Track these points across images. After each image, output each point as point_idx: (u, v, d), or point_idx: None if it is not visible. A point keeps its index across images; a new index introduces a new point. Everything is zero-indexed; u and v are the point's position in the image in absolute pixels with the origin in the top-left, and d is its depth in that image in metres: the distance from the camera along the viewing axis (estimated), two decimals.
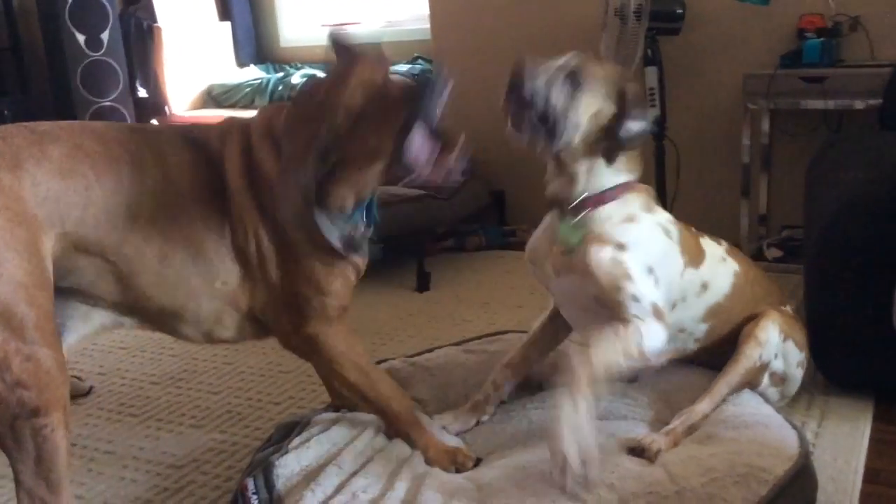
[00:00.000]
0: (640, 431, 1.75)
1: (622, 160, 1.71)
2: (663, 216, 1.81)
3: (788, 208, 3.33)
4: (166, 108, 4.75)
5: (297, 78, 4.59)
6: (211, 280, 1.60)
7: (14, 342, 1.31)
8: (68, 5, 4.39)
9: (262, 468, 1.65)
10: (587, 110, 1.63)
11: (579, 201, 1.70)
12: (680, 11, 3.18)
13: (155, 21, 4.70)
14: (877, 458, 1.88)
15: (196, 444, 2.12)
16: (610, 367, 1.61)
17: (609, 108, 1.65)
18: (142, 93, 4.80)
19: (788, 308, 1.99)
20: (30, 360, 1.33)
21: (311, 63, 4.89)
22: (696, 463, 1.56)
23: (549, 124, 1.61)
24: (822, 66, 3.12)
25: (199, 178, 1.59)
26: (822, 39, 3.14)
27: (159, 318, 1.64)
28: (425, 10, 4.23)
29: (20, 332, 1.32)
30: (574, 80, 1.61)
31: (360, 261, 1.72)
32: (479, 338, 2.28)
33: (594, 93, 1.63)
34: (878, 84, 2.92)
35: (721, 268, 1.88)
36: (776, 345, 1.88)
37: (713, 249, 1.90)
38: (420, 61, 4.51)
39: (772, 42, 3.33)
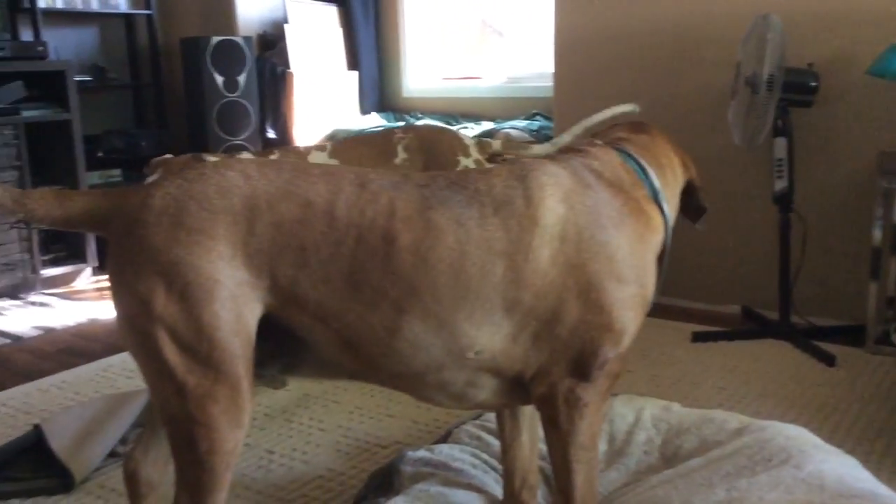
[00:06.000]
0: None
1: None
2: None
3: None
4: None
5: None
6: (459, 352, 1.36)
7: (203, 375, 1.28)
8: (210, 48, 4.66)
9: None
10: None
11: None
12: (814, 84, 3.11)
13: (288, 67, 4.92)
14: None
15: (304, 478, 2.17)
16: None
17: None
18: (270, 133, 5.02)
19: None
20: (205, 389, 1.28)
21: (431, 113, 5.02)
22: None
23: None
24: None
25: (480, 236, 1.35)
26: None
27: (393, 385, 1.46)
28: (547, 67, 4.29)
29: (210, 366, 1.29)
30: None
31: None
32: None
33: None
34: None
35: None
36: None
37: None
38: (538, 117, 4.56)
39: None
